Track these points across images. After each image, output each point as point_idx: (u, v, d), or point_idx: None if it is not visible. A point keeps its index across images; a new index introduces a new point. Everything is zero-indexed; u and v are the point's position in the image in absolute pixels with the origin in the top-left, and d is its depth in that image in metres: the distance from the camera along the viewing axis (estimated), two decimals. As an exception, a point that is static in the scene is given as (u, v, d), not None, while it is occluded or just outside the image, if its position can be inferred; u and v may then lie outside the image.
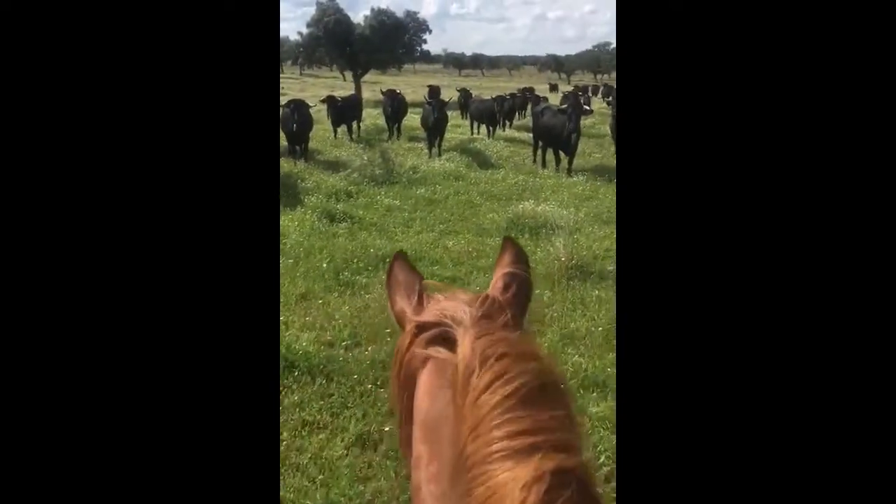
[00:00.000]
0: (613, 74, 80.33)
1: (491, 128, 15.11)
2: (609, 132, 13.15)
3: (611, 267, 5.53)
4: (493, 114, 14.77)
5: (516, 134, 15.56)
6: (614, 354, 3.79)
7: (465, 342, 0.69)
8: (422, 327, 0.77)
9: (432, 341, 0.74)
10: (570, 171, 10.19)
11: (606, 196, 8.60)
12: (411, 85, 41.31)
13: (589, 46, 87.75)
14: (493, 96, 15.48)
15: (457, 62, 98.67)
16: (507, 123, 17.22)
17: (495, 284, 0.85)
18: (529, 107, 16.29)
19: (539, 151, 11.20)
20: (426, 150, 12.15)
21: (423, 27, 30.72)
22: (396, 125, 14.58)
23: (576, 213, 7.52)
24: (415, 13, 30.60)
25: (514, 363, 0.65)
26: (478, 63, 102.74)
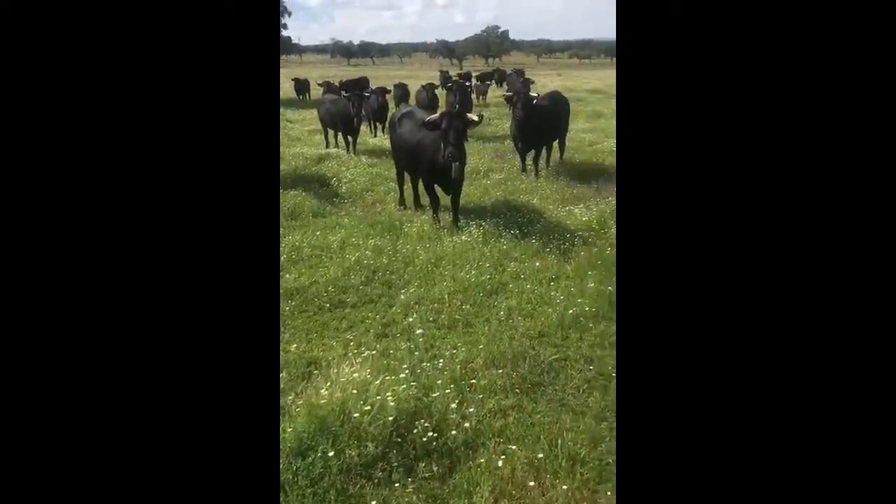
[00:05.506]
0: (504, 58, 79.23)
1: (350, 137, 10.76)
2: (510, 135, 9.04)
3: None
4: (348, 118, 10.36)
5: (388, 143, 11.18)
6: None
7: None
8: None
9: None
10: (456, 219, 6.15)
11: (527, 281, 4.62)
12: (287, 78, 35.59)
13: (478, 31, 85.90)
14: (347, 94, 10.98)
15: (345, 51, 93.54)
16: (378, 127, 12.94)
17: None
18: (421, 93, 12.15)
19: (406, 183, 7.04)
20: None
21: (280, 10, 25.49)
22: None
23: (464, 390, 3.44)
24: (268, -8, 25.29)
25: None
26: (367, 51, 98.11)
